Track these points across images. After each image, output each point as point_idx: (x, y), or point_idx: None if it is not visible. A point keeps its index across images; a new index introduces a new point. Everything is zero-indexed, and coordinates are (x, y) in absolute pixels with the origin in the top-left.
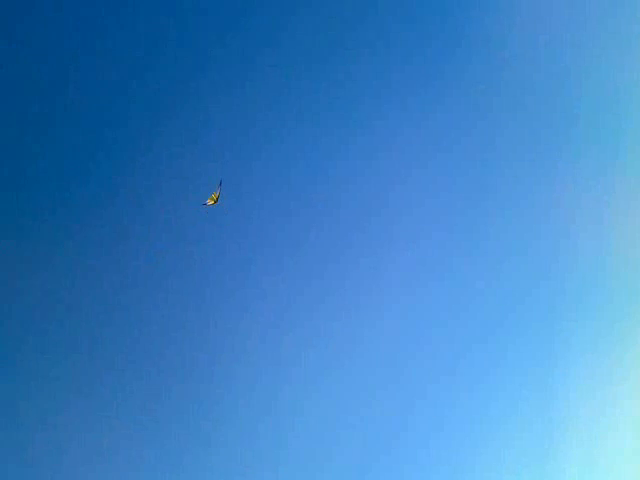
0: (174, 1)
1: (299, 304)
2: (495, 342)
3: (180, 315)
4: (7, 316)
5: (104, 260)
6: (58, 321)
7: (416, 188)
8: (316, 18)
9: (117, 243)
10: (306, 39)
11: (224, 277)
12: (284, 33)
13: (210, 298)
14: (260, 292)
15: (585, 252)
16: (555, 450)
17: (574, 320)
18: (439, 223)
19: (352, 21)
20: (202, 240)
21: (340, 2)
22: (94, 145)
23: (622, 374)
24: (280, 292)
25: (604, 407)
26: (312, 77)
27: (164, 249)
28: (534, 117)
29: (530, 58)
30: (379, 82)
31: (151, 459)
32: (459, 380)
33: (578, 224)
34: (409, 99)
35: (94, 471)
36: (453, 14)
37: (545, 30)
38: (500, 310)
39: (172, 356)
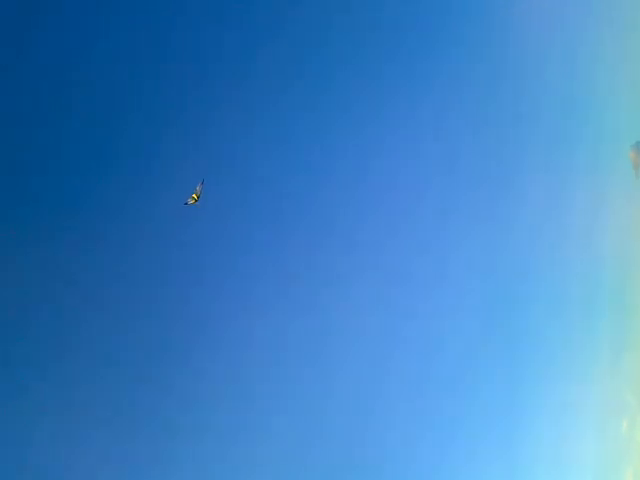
0: None
1: (297, 301)
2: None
3: (173, 313)
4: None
5: (93, 258)
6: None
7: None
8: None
9: (110, 240)
10: (302, 37)
11: (218, 272)
12: (284, 32)
13: (206, 295)
14: (256, 291)
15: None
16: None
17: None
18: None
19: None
20: (199, 237)
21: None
22: (85, 145)
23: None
24: (275, 288)
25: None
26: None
27: (159, 249)
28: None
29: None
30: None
31: (149, 458)
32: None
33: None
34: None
35: (93, 471)
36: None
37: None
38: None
39: (167, 353)
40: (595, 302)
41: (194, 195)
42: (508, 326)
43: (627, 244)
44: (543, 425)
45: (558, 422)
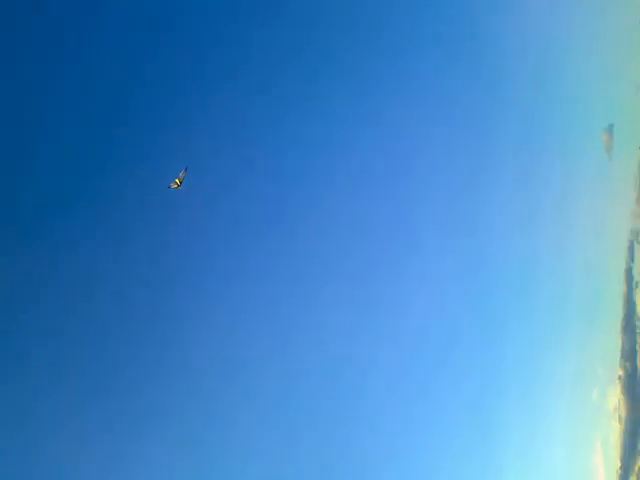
0: None
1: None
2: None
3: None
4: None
5: (88, 251)
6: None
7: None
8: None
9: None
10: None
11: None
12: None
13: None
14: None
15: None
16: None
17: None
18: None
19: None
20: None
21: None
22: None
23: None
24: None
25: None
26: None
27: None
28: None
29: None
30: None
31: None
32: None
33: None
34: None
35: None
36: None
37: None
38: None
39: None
40: (568, 280)
41: (177, 180)
42: (484, 303)
43: (600, 224)
44: (516, 395)
45: (531, 392)
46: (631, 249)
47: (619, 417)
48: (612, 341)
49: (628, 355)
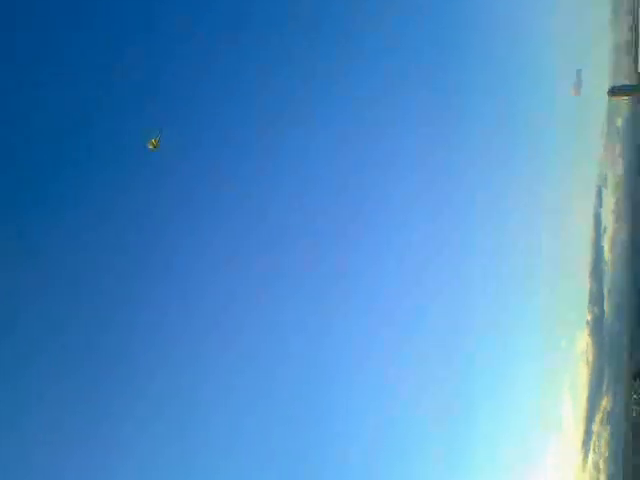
0: None
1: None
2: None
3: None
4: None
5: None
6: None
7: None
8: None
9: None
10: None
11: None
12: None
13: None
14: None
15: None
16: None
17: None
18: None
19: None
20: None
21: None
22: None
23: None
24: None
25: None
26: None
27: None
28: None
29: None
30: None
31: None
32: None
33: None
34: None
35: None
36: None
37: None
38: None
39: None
40: (537, 225)
41: (153, 141)
42: (455, 246)
43: (568, 170)
44: (488, 342)
45: (502, 337)
46: (599, 194)
47: (587, 360)
48: (581, 286)
49: (596, 299)
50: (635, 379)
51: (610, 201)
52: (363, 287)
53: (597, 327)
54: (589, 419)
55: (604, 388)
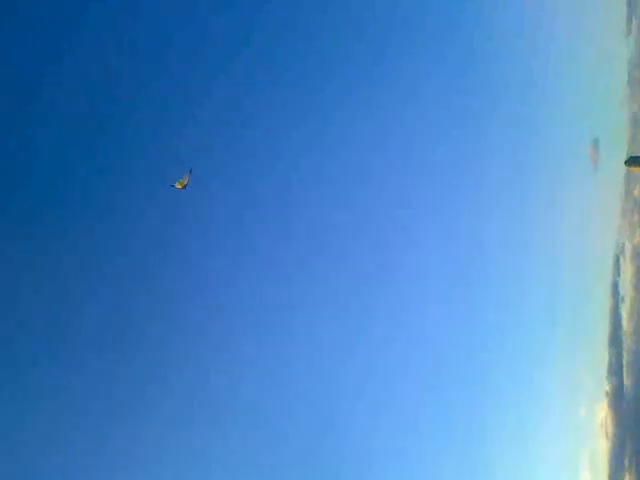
0: None
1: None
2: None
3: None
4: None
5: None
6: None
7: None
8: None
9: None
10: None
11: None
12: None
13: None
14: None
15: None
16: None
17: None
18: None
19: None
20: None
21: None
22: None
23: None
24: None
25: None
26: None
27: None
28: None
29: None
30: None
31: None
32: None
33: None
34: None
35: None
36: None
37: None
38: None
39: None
40: (555, 294)
41: (182, 180)
42: (472, 317)
43: (586, 238)
44: (505, 412)
45: (520, 408)
46: (617, 263)
47: (606, 433)
48: (599, 356)
49: (615, 370)
50: None
51: (628, 270)
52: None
53: (617, 398)
54: None
55: (626, 464)
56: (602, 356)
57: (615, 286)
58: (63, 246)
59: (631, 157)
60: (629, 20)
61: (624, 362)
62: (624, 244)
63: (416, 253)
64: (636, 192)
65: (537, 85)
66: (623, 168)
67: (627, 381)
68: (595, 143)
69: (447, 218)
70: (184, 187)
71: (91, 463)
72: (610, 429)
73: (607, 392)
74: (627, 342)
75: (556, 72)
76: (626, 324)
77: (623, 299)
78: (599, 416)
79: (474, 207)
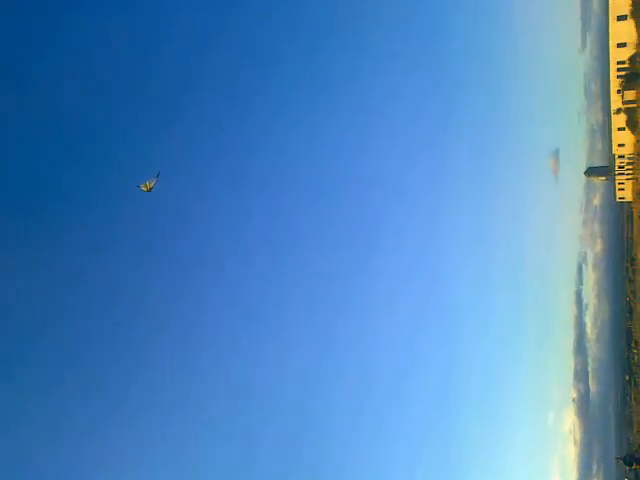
0: None
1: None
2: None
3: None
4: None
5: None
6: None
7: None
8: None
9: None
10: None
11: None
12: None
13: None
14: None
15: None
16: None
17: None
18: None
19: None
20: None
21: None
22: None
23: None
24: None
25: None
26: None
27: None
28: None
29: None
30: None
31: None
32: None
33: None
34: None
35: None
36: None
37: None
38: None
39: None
40: (520, 303)
41: (148, 184)
42: (444, 331)
43: (549, 248)
44: (474, 420)
45: (488, 416)
46: (580, 272)
47: (574, 439)
48: (565, 363)
49: (580, 377)
50: (625, 463)
51: (591, 278)
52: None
53: (583, 405)
54: None
55: (594, 469)
56: (568, 364)
57: (579, 294)
58: (59, 246)
59: (590, 167)
60: (584, 34)
61: (589, 369)
62: (586, 253)
63: (386, 272)
64: (596, 201)
65: (498, 98)
66: (583, 178)
67: (593, 387)
68: (555, 154)
69: (412, 232)
70: (149, 190)
71: (90, 463)
72: (578, 435)
73: (574, 399)
74: (592, 349)
75: (515, 86)
76: (590, 332)
77: (587, 307)
78: (567, 422)
79: (438, 219)
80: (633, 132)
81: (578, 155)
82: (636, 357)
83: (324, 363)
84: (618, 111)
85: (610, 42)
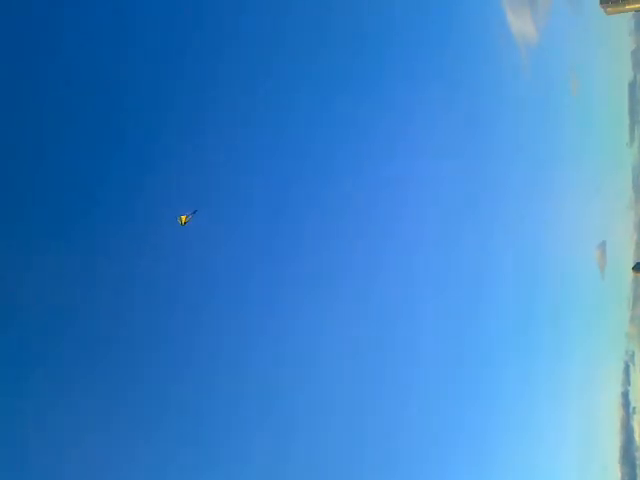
0: None
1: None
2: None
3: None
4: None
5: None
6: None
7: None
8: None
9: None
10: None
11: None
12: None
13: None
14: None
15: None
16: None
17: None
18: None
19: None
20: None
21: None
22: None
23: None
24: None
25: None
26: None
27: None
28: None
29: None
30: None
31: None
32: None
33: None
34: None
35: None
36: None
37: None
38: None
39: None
40: (564, 405)
41: (184, 218)
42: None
43: (594, 346)
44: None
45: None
46: (627, 371)
47: None
48: (610, 474)
49: None
50: None
51: (639, 379)
52: None
53: None
54: None
55: None
56: (614, 475)
57: (625, 396)
58: (63, 250)
59: (638, 263)
60: (631, 129)
61: None
62: (634, 352)
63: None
64: None
65: (545, 191)
66: (631, 273)
67: None
68: (602, 246)
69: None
70: (183, 224)
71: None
72: None
73: None
74: None
75: (563, 176)
76: (638, 438)
77: (634, 410)
78: None
79: (482, 318)
80: None
81: (625, 250)
82: None
83: (346, 364)
84: None
85: None
